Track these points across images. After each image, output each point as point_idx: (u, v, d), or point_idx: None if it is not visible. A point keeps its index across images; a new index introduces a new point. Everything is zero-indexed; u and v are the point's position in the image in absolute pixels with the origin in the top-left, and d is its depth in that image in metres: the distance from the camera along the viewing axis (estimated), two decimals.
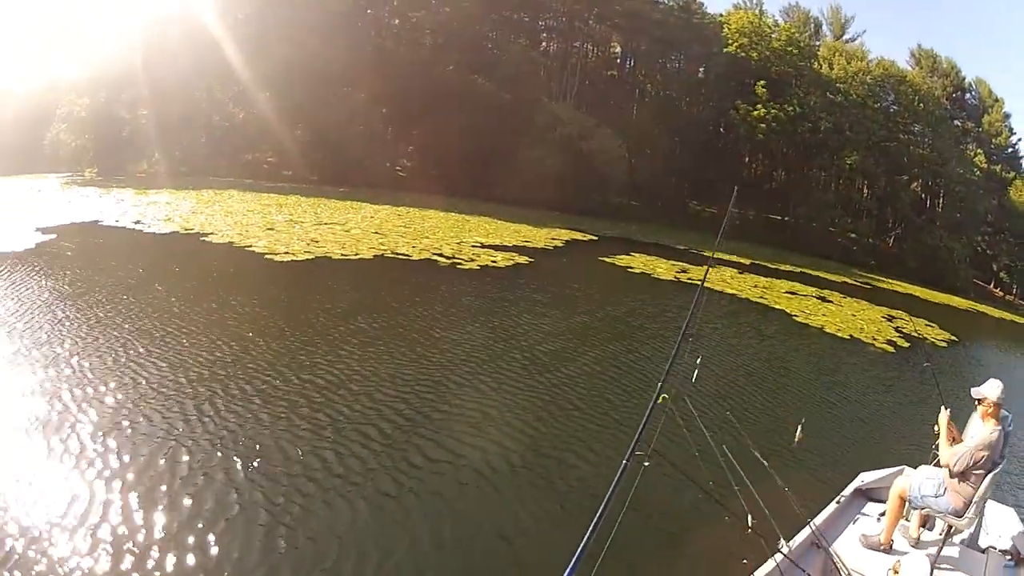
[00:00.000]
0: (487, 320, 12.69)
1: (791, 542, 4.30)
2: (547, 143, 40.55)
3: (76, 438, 6.25)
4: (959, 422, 5.12)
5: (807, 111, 47.25)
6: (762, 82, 47.38)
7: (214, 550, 4.85)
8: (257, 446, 6.46)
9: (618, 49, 58.89)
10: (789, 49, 50.34)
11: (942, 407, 5.00)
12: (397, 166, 46.26)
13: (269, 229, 20.24)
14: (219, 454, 6.22)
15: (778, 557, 3.96)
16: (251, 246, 17.29)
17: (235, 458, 6.16)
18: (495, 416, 7.91)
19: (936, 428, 4.97)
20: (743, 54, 49.38)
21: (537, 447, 7.27)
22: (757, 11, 55.37)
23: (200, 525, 5.10)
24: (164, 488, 5.55)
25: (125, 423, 6.64)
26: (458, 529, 5.51)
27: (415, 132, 43.85)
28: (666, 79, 56.57)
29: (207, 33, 38.47)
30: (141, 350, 8.83)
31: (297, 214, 24.44)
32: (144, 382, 7.74)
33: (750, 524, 3.84)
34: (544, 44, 56.09)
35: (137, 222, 20.43)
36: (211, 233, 18.81)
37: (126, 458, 5.98)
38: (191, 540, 4.92)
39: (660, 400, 3.94)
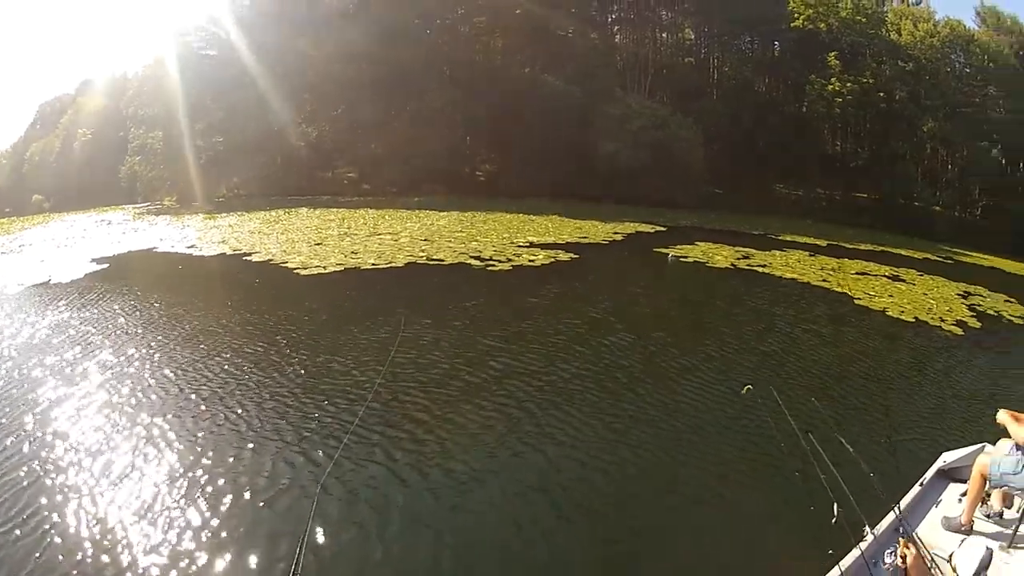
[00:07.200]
0: (470, 323, 11.83)
1: (875, 529, 4.22)
2: (621, 136, 38.76)
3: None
4: None
5: (882, 81, 44.41)
6: (834, 53, 45.18)
7: None
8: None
9: (691, 36, 56.61)
10: (858, 18, 47.37)
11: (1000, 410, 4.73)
12: (478, 171, 45.76)
13: (317, 244, 19.83)
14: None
15: (863, 546, 3.94)
16: (287, 262, 16.86)
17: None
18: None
19: (1001, 427, 4.64)
20: (811, 26, 47.00)
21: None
22: None
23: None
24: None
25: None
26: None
27: (493, 136, 43.43)
28: (741, 61, 53.93)
29: (272, 58, 39.42)
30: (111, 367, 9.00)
31: (355, 227, 24.14)
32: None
33: (836, 513, 3.95)
34: (618, 38, 54.82)
35: (191, 246, 20.68)
36: (255, 252, 18.58)
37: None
38: None
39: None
